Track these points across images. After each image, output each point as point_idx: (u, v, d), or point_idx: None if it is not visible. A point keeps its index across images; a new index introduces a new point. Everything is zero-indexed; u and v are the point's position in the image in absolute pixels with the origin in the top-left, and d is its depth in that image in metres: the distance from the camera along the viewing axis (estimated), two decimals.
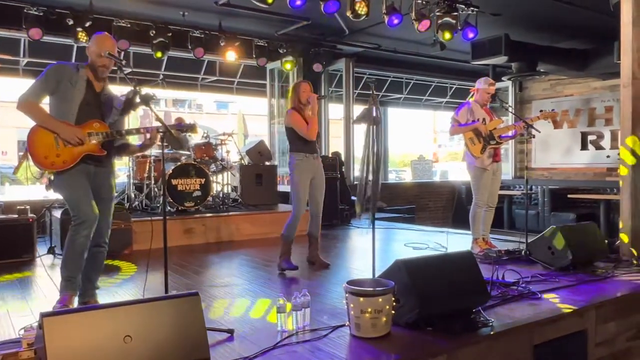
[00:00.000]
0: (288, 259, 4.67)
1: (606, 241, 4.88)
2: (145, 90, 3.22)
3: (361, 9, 5.89)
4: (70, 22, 6.68)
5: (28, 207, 5.55)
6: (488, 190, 5.35)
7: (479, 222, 5.38)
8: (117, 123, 3.47)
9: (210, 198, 7.08)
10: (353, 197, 8.21)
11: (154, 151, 7.42)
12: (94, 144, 3.29)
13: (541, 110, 5.48)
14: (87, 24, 6.75)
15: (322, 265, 4.79)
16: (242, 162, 8.15)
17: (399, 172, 23.75)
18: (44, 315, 2.02)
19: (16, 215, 5.44)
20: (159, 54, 7.53)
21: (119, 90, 7.93)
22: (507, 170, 11.15)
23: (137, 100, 3.17)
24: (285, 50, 8.54)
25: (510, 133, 5.45)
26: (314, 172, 4.66)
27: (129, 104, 3.22)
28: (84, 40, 6.81)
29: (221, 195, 7.60)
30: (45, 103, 3.33)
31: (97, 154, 3.32)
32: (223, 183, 7.87)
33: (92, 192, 3.36)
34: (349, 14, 6.03)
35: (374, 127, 3.53)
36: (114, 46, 3.38)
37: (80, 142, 3.23)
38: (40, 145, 3.21)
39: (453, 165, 24.55)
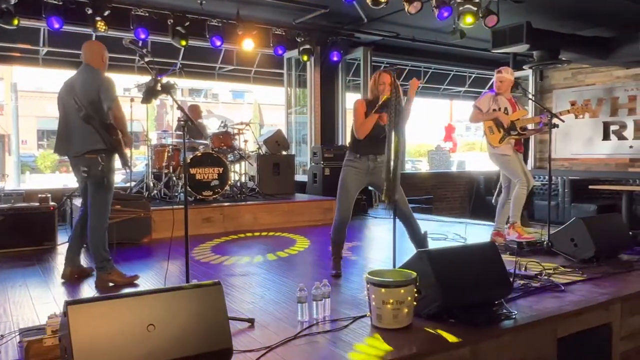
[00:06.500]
0: (335, 263, 4.13)
1: (630, 233, 4.79)
2: (165, 79, 3.20)
3: None
4: (89, 12, 6.69)
5: (49, 195, 5.62)
6: (522, 169, 5.22)
7: (520, 205, 5.19)
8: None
9: (228, 187, 7.09)
10: (370, 187, 8.14)
11: (171, 140, 7.47)
12: None
13: (572, 104, 5.33)
14: (106, 13, 6.77)
15: None
16: (260, 151, 8.15)
17: (415, 162, 23.68)
18: (68, 303, 2.03)
19: (37, 204, 5.50)
20: (183, 42, 7.54)
21: (137, 79, 7.98)
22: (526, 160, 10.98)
23: (159, 89, 3.16)
24: (302, 39, 8.48)
25: (532, 126, 5.32)
26: (367, 177, 3.99)
27: (150, 92, 3.21)
28: (103, 30, 6.84)
29: (239, 184, 7.61)
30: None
31: None
32: (241, 172, 7.88)
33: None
34: (368, 1, 5.96)
35: (395, 115, 3.46)
36: None
37: None
38: None
39: (470, 156, 24.32)
